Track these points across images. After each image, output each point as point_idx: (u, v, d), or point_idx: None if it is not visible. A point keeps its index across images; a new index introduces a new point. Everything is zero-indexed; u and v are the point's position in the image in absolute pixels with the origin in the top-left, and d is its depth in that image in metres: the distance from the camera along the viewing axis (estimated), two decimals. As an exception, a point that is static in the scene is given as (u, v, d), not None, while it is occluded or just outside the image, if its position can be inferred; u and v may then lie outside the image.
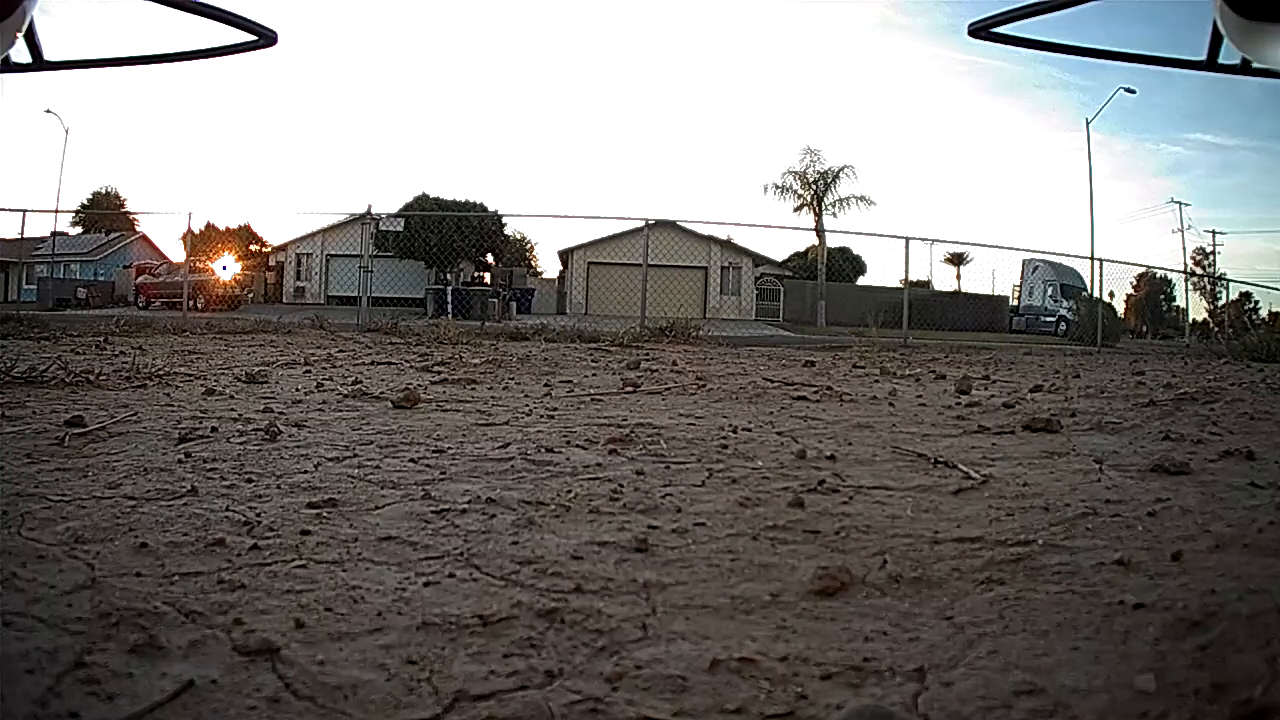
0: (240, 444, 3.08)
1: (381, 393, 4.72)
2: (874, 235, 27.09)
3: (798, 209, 36.65)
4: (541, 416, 4.04)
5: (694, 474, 2.74)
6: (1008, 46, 1.40)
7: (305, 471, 2.65)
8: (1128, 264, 29.57)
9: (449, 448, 3.10)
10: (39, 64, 1.29)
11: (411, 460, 2.87)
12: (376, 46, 65.34)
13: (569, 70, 72.98)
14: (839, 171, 36.23)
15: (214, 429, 3.38)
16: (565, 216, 43.06)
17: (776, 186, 36.68)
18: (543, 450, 3.07)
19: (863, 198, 36.16)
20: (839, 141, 75.71)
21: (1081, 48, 1.48)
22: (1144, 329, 39.01)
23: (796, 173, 36.58)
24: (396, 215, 25.38)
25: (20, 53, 1.23)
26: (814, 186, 36.41)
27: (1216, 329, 28.95)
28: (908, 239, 16.77)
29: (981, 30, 1.35)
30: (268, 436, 3.22)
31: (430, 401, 4.46)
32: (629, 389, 5.35)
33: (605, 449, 3.14)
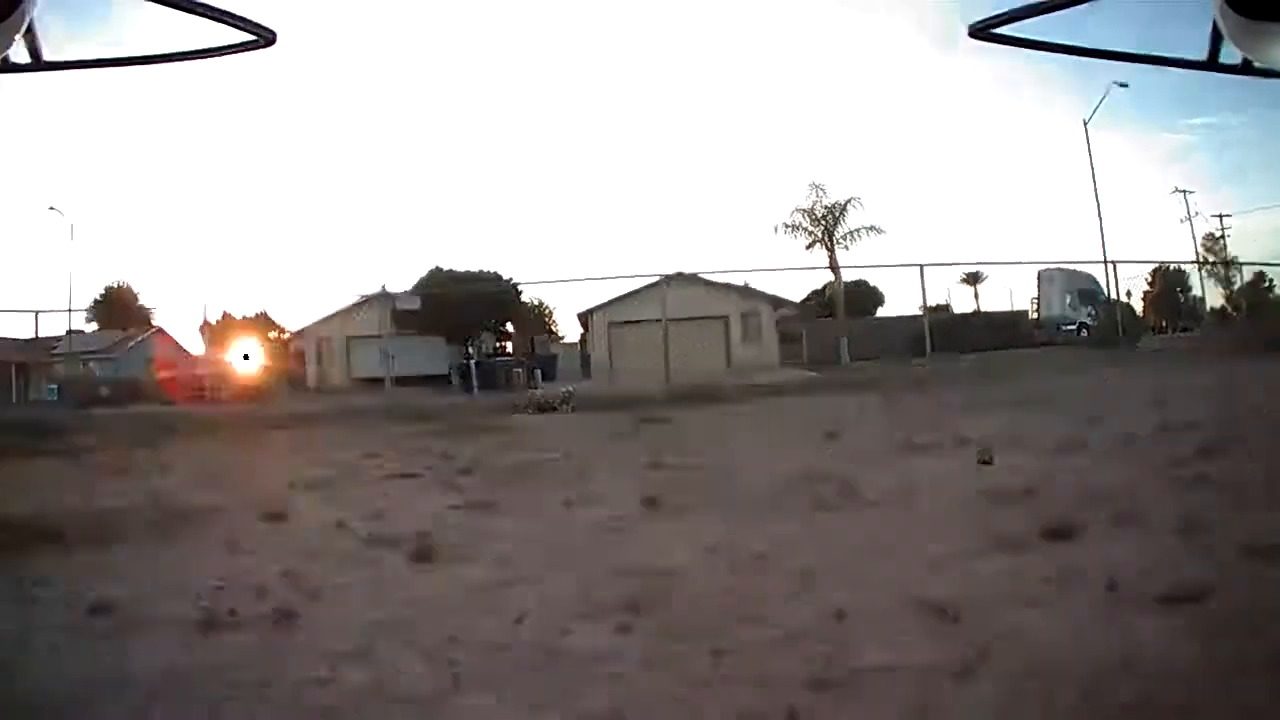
0: (258, 636, 3.22)
1: (400, 535, 4.78)
2: (889, 266, 27.09)
3: (809, 246, 36.51)
4: (559, 559, 4.21)
5: (697, 661, 2.80)
6: (1008, 47, 1.40)
7: (320, 682, 2.74)
8: (1138, 262, 29.44)
9: (462, 636, 3.16)
10: (39, 64, 1.30)
11: (423, 654, 2.95)
12: (379, 119, 66.38)
13: (572, 132, 73.47)
14: (846, 204, 36.15)
15: (232, 611, 3.47)
16: (581, 280, 43.28)
17: (787, 225, 36.63)
18: (553, 632, 3.15)
19: (873, 227, 35.93)
20: (846, 170, 74.78)
21: (1082, 48, 1.49)
22: (1164, 324, 38.50)
23: (804, 210, 36.56)
24: (411, 293, 25.73)
25: (20, 53, 1.25)
26: (823, 221, 36.34)
27: (1235, 313, 28.76)
28: (922, 266, 16.84)
29: (982, 31, 1.36)
30: (284, 622, 3.36)
31: (447, 549, 4.50)
32: (647, 506, 5.41)
33: (613, 626, 3.19)
